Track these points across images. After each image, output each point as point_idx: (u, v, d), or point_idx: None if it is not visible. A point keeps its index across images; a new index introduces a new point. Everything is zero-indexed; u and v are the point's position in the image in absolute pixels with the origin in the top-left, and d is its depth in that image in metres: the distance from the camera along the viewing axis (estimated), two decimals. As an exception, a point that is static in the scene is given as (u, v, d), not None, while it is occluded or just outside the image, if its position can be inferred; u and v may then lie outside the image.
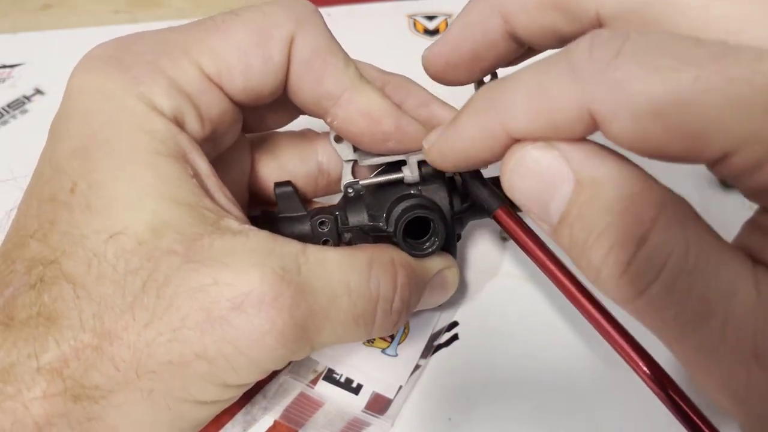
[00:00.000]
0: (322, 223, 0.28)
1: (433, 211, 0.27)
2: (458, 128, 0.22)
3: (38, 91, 0.48)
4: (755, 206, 0.19)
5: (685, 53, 0.17)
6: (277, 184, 0.29)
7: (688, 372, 0.19)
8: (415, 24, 0.53)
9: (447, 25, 0.53)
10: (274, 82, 0.26)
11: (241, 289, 0.21)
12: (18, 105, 0.47)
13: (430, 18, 0.53)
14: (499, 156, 0.21)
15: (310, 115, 0.28)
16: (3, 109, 0.47)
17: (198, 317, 0.21)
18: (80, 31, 0.53)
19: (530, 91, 0.19)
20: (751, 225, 0.19)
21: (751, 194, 0.18)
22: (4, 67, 0.50)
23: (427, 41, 0.51)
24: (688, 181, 0.38)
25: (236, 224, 0.23)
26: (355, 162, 0.29)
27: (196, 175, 0.24)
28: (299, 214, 0.29)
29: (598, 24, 0.22)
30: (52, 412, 0.21)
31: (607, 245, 0.18)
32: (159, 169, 0.23)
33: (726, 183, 0.37)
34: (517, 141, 0.20)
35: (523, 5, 0.24)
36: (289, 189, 0.29)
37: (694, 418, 0.22)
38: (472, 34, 0.26)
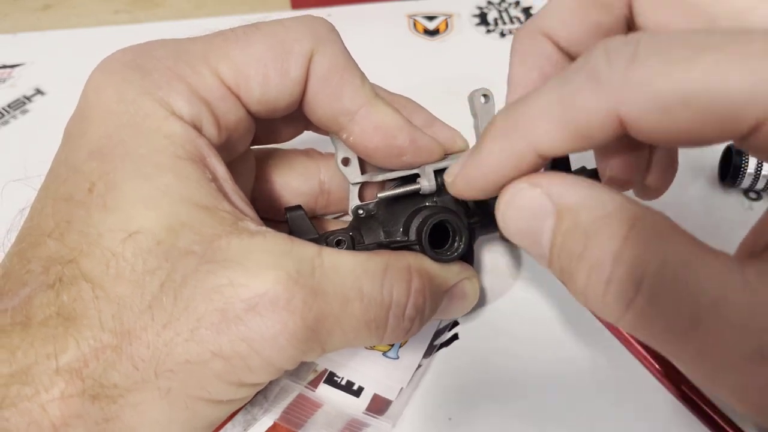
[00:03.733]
0: (339, 243, 0.28)
1: (454, 215, 0.28)
2: (483, 154, 0.22)
3: (38, 91, 0.48)
4: (754, 206, 0.19)
5: (699, 43, 0.17)
6: (288, 209, 0.29)
7: (695, 381, 0.19)
8: (415, 24, 0.53)
9: (447, 25, 0.53)
10: (291, 96, 0.26)
11: (255, 291, 0.21)
12: (18, 105, 0.47)
13: (430, 18, 0.53)
14: (524, 173, 0.22)
15: (324, 130, 0.29)
16: (3, 109, 0.47)
17: (214, 317, 0.21)
18: (80, 31, 0.53)
19: (554, 106, 0.20)
20: None
21: None
22: (4, 67, 0.50)
23: (427, 41, 0.51)
24: (689, 182, 0.38)
25: (253, 225, 0.23)
26: (362, 185, 0.29)
27: (214, 179, 0.24)
28: (313, 236, 0.29)
29: (630, 2, 0.23)
30: (69, 413, 0.21)
31: (587, 267, 0.19)
32: (178, 171, 0.23)
33: (726, 182, 0.37)
34: (543, 157, 0.21)
35: (562, 16, 0.25)
36: (300, 212, 0.29)
37: (712, 413, 0.22)
38: (533, 68, 0.27)
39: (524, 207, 0.21)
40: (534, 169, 0.21)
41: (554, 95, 0.20)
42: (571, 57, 0.27)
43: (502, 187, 0.22)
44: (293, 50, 0.26)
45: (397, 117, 0.27)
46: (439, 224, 0.27)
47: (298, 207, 0.29)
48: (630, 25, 0.25)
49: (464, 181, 0.24)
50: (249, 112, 0.26)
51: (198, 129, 0.25)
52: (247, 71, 0.25)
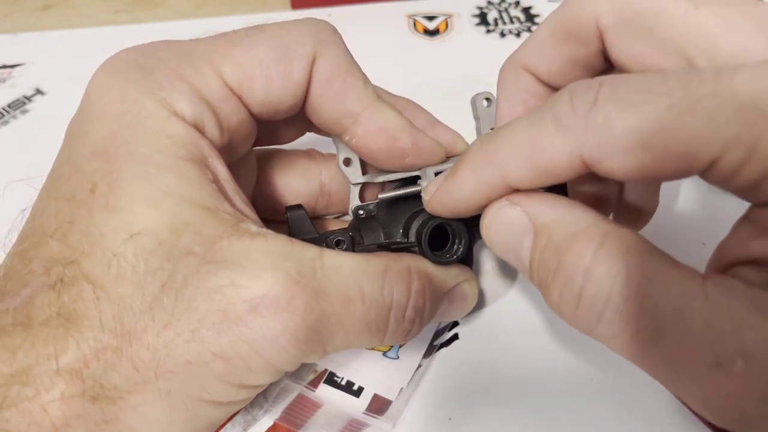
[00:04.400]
0: (338, 243, 0.28)
1: (454, 218, 0.28)
2: (458, 181, 0.24)
3: (38, 91, 0.48)
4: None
5: (655, 86, 0.18)
6: (289, 208, 0.29)
7: (666, 388, 0.20)
8: (415, 24, 0.53)
9: (447, 25, 0.53)
10: (293, 98, 0.26)
11: (256, 292, 0.21)
12: (18, 105, 0.47)
13: (430, 18, 0.53)
14: (493, 200, 0.23)
15: (327, 131, 0.29)
16: (3, 109, 0.47)
17: (215, 318, 0.21)
18: (80, 31, 0.53)
19: (523, 146, 0.21)
20: (742, 220, 0.21)
21: (740, 192, 0.19)
22: (5, 67, 0.50)
23: (427, 41, 0.51)
24: (688, 183, 0.38)
25: (254, 227, 0.23)
26: (362, 185, 0.29)
27: (216, 180, 0.24)
28: (313, 236, 0.29)
29: (600, 38, 0.25)
30: (69, 413, 0.21)
31: (560, 283, 0.20)
32: (179, 171, 0.23)
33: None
34: (511, 188, 0.22)
35: (540, 51, 0.27)
36: (301, 212, 0.29)
37: None
38: (519, 104, 0.28)
39: (505, 224, 0.22)
40: (501, 194, 0.23)
41: (524, 135, 0.21)
42: (553, 89, 0.28)
43: (475, 210, 0.24)
44: (296, 53, 0.26)
45: (400, 119, 0.27)
46: (439, 227, 0.27)
47: (299, 206, 0.29)
48: (607, 57, 0.26)
49: (439, 203, 0.26)
50: (251, 113, 0.27)
51: (200, 130, 0.25)
52: (250, 73, 0.25)
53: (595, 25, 0.25)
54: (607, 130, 0.19)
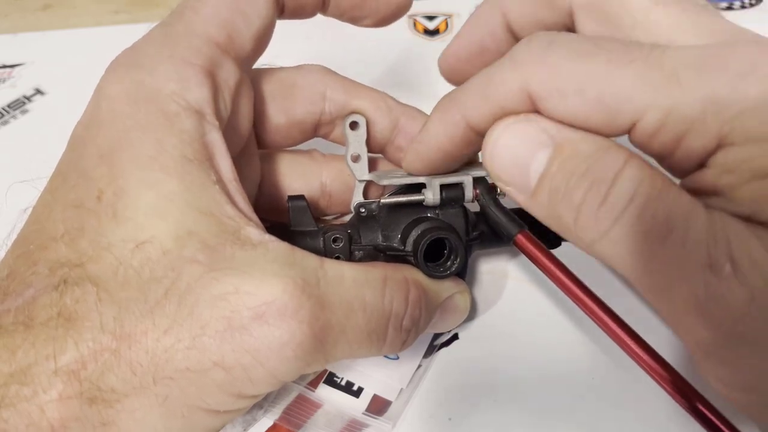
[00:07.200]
0: (335, 240, 0.28)
1: (453, 233, 0.28)
2: (427, 127, 0.26)
3: (38, 91, 0.48)
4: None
5: (603, 44, 0.21)
6: (291, 197, 0.29)
7: (654, 303, 0.21)
8: (415, 24, 0.53)
9: (447, 25, 0.53)
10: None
11: (262, 299, 0.21)
12: (18, 105, 0.47)
13: (430, 18, 0.53)
14: (461, 147, 0.25)
15: (349, 17, 0.29)
16: (3, 109, 0.47)
17: (218, 326, 0.21)
18: (80, 31, 0.53)
19: (481, 83, 0.23)
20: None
21: (658, 159, 0.22)
22: (4, 67, 0.50)
23: (427, 41, 0.51)
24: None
25: (257, 233, 0.23)
26: (366, 186, 0.29)
27: (219, 181, 0.24)
28: (312, 229, 0.28)
29: (571, 13, 0.26)
30: (67, 415, 0.21)
31: (587, 184, 0.21)
32: (184, 176, 0.23)
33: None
34: (473, 130, 0.24)
35: (518, 1, 0.28)
36: (302, 203, 0.29)
37: (715, 420, 0.22)
38: (479, 30, 0.29)
39: (517, 138, 0.22)
40: (467, 144, 0.25)
41: (484, 74, 0.23)
42: (512, 42, 0.28)
43: (444, 158, 0.26)
44: None
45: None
46: (437, 240, 0.28)
47: (301, 197, 0.29)
48: (570, 30, 0.28)
49: (414, 152, 0.27)
50: (247, 59, 0.27)
51: (212, 109, 0.25)
52: (233, 22, 0.26)
53: (568, 2, 0.26)
54: (554, 69, 0.21)
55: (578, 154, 0.21)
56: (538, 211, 0.23)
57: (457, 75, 0.30)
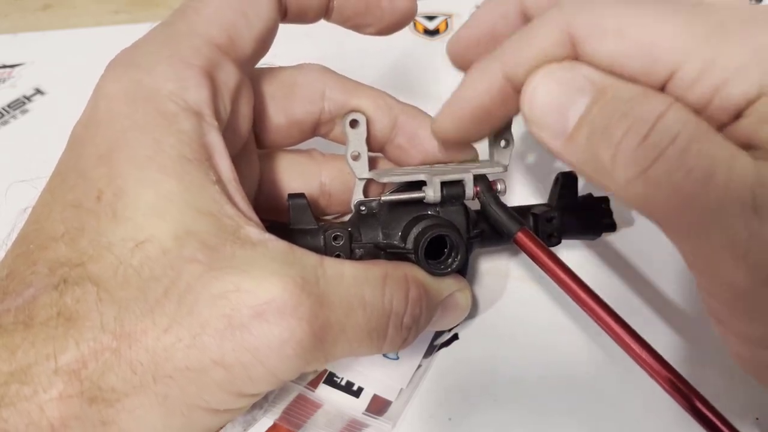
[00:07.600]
0: (336, 238, 0.28)
1: (454, 230, 0.28)
2: (464, 82, 0.25)
3: (38, 91, 0.48)
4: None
5: None
6: (291, 196, 0.29)
7: (686, 245, 0.21)
8: (415, 24, 0.53)
9: (447, 25, 0.53)
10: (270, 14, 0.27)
11: (262, 297, 0.21)
12: (18, 105, 0.47)
13: (430, 18, 0.53)
14: (497, 104, 0.24)
15: (353, 26, 0.29)
16: (3, 109, 0.47)
17: (218, 324, 0.21)
18: (80, 31, 0.53)
19: (522, 32, 0.23)
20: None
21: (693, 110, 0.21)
22: (4, 67, 0.50)
23: (427, 41, 0.51)
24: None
25: (256, 233, 0.23)
26: (367, 184, 0.29)
27: (219, 181, 0.24)
28: (312, 227, 0.28)
29: None
30: (67, 414, 0.21)
31: (628, 122, 0.21)
32: (182, 176, 0.23)
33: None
34: (511, 83, 0.24)
35: None
36: (303, 201, 0.29)
37: (715, 420, 0.23)
38: (493, 12, 0.29)
39: (558, 83, 0.22)
40: (503, 101, 0.24)
41: (526, 27, 0.23)
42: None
43: (480, 120, 0.26)
44: None
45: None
46: (438, 237, 0.27)
47: (301, 195, 0.29)
48: None
49: (445, 113, 0.27)
50: (247, 61, 0.27)
51: (211, 110, 0.25)
52: (234, 23, 0.26)
53: None
54: (599, 10, 0.21)
55: (620, 97, 0.21)
56: (573, 154, 0.22)
57: (465, 60, 0.30)
